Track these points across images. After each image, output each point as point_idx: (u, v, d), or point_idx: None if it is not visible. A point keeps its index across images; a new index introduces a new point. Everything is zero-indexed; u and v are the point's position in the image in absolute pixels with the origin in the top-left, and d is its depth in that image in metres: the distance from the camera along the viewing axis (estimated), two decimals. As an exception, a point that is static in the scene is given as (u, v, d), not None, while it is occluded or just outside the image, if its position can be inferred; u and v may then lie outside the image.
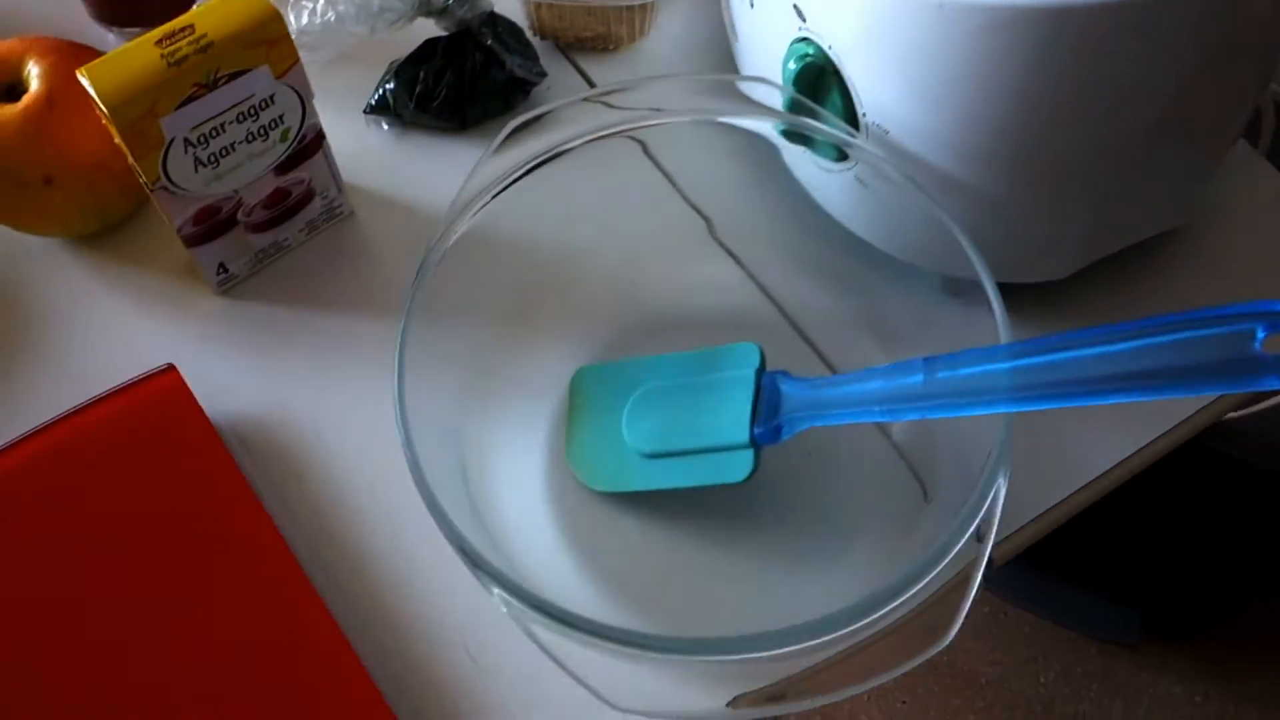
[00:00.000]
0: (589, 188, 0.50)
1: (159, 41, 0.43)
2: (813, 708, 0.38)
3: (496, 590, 0.36)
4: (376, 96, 0.58)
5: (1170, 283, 0.52)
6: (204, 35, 0.43)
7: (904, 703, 1.19)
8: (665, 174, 0.54)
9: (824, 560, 0.45)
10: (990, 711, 1.20)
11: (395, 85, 0.57)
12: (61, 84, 0.49)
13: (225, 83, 0.45)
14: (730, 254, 0.53)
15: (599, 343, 0.51)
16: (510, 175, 0.47)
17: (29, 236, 0.54)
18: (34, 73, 0.50)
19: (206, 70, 0.44)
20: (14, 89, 0.50)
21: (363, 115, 0.58)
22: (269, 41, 0.45)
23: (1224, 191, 0.53)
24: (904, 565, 0.42)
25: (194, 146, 0.46)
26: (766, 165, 0.53)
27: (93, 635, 0.43)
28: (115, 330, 0.53)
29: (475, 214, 0.46)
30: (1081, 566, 1.17)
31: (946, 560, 0.36)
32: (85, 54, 0.51)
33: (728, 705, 0.37)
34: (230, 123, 0.46)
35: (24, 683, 0.43)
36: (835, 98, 0.45)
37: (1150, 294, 0.52)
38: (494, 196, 0.47)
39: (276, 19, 0.44)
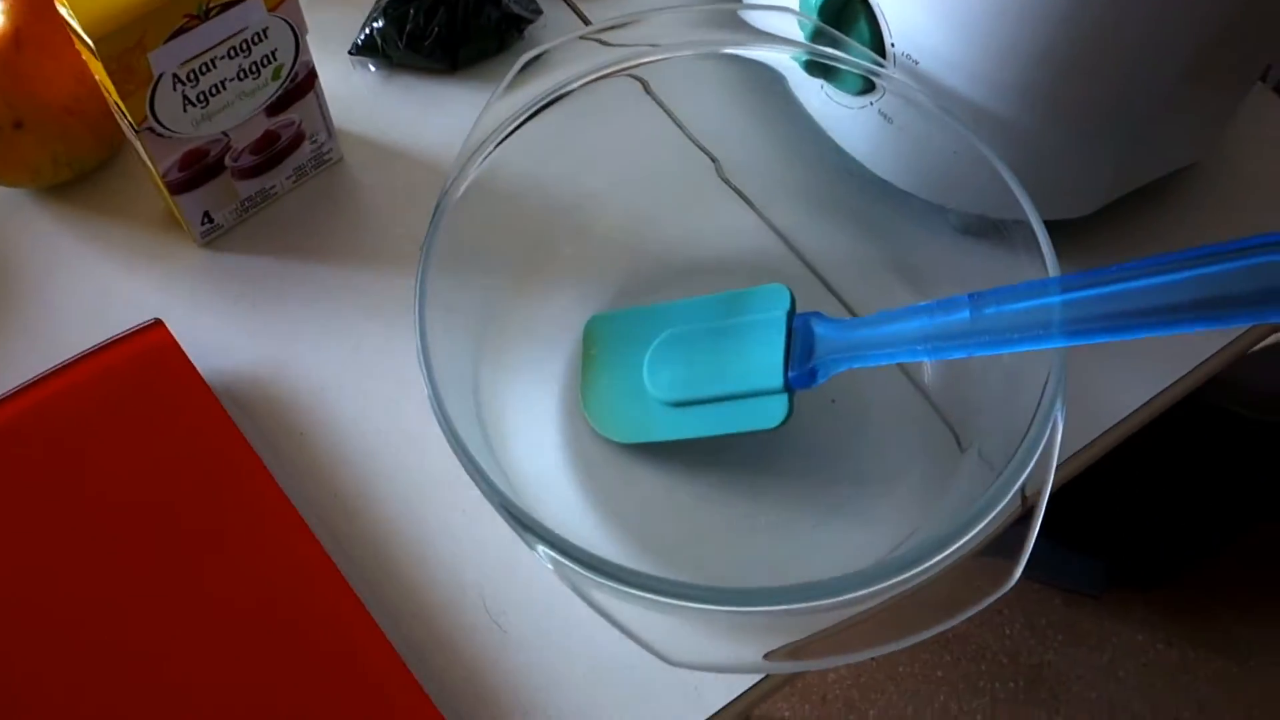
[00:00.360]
0: (592, 130, 0.48)
1: (146, -32, 0.40)
2: (848, 664, 0.36)
3: (542, 549, 0.34)
4: (363, 36, 0.55)
5: (1185, 220, 0.51)
6: (194, -39, 0.41)
7: (873, 660, 1.20)
8: (668, 112, 0.52)
9: (856, 511, 0.44)
10: (957, 665, 1.21)
11: (384, 24, 0.54)
12: (30, 20, 0.46)
13: (217, 14, 0.42)
14: (741, 196, 0.51)
15: (611, 290, 0.49)
16: (514, 120, 0.45)
17: (5, 191, 0.50)
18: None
19: (199, 1, 0.41)
20: (-25, 27, 0.47)
21: (348, 56, 0.55)
22: (263, -30, 0.42)
23: (1236, 127, 0.53)
24: (942, 513, 0.41)
25: (183, 84, 0.43)
26: (774, 102, 0.50)
27: (86, 600, 0.41)
28: (94, 286, 0.50)
29: (484, 160, 0.44)
30: (1046, 516, 1.18)
31: (1003, 504, 0.35)
32: (53, -12, 0.48)
33: (764, 657, 0.36)
34: (221, 58, 0.43)
35: (16, 648, 0.40)
36: (862, 27, 0.43)
37: (1166, 231, 0.51)
38: (500, 142, 0.45)
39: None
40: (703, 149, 0.51)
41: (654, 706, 0.41)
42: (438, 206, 0.42)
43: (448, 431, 0.36)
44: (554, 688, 0.41)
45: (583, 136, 0.48)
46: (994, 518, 0.36)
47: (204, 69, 0.43)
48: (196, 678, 0.40)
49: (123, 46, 0.40)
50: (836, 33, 0.43)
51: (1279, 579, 1.23)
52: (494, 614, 0.43)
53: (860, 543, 0.43)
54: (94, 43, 0.39)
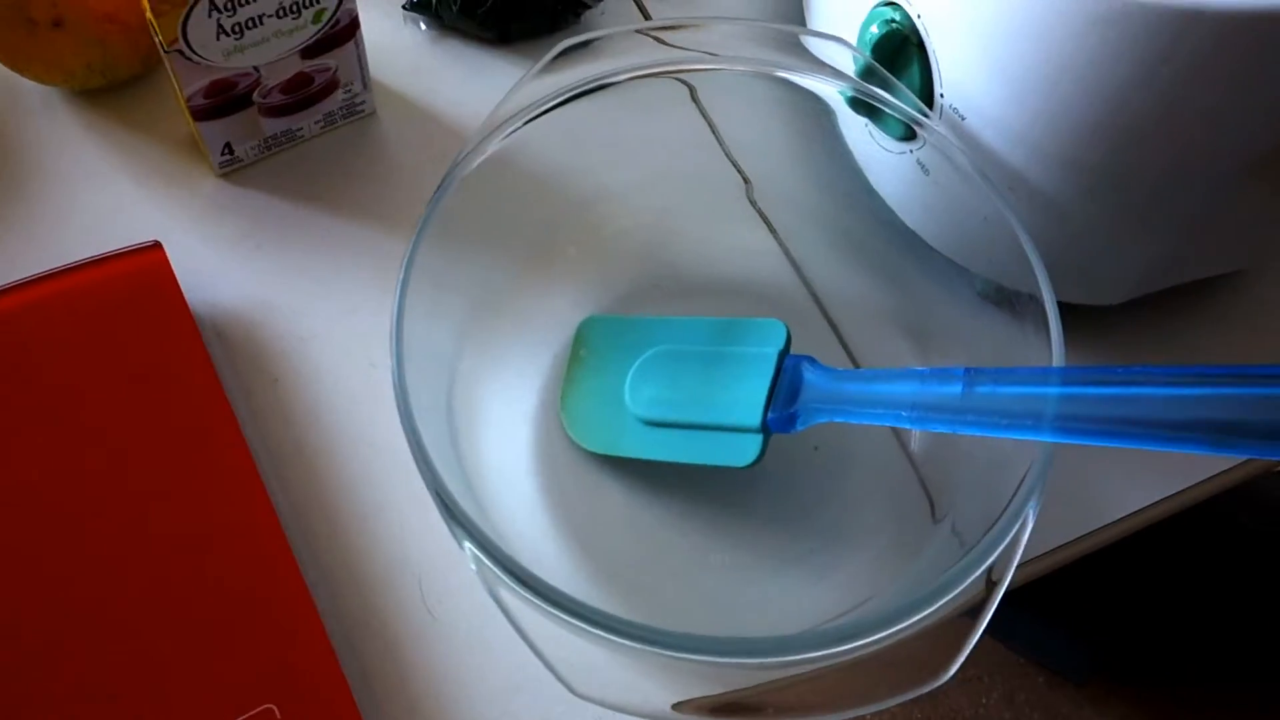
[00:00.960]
0: (627, 127, 0.47)
1: (201, -112, 0.40)
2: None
3: (468, 545, 0.33)
4: (419, -7, 0.54)
5: (1219, 331, 0.49)
6: (247, -110, 0.40)
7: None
8: (710, 124, 0.50)
9: (817, 565, 0.42)
10: (924, 726, 1.19)
11: (442, -16, 0.53)
12: (87, -79, 0.45)
13: (263, -53, 0.41)
14: (765, 221, 0.49)
15: (613, 295, 0.48)
16: (548, 101, 0.43)
17: (29, 82, 0.50)
18: (55, -95, 0.46)
19: (244, -70, 0.40)
20: (33, -81, 0.46)
21: (401, 10, 0.54)
22: (314, -90, 0.41)
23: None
24: (902, 585, 0.39)
25: (219, 12, 0.42)
26: (818, 134, 0.49)
27: (29, 508, 0.41)
28: (104, 196, 0.49)
29: (507, 136, 0.43)
30: (1039, 592, 1.15)
31: (950, 596, 0.34)
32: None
33: (672, 708, 0.34)
34: (261, -8, 0.42)
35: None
36: (914, 72, 0.42)
37: (1196, 340, 0.49)
38: (528, 121, 0.43)
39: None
40: (737, 167, 0.50)
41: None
42: (448, 175, 0.41)
43: (401, 403, 0.35)
44: (470, 685, 0.40)
45: (615, 131, 0.47)
46: (946, 601, 0.34)
47: (244, 0, 0.42)
48: (116, 597, 0.39)
49: (160, -36, 0.39)
50: (887, 74, 0.42)
51: (1271, 693, 1.19)
52: (428, 599, 0.42)
53: (815, 598, 0.41)
54: (130, -45, 0.39)
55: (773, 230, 0.49)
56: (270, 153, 0.50)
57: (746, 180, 0.50)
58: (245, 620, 0.39)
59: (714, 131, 0.50)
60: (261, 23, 0.44)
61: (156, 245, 0.46)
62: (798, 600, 0.41)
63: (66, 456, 0.42)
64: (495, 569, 0.32)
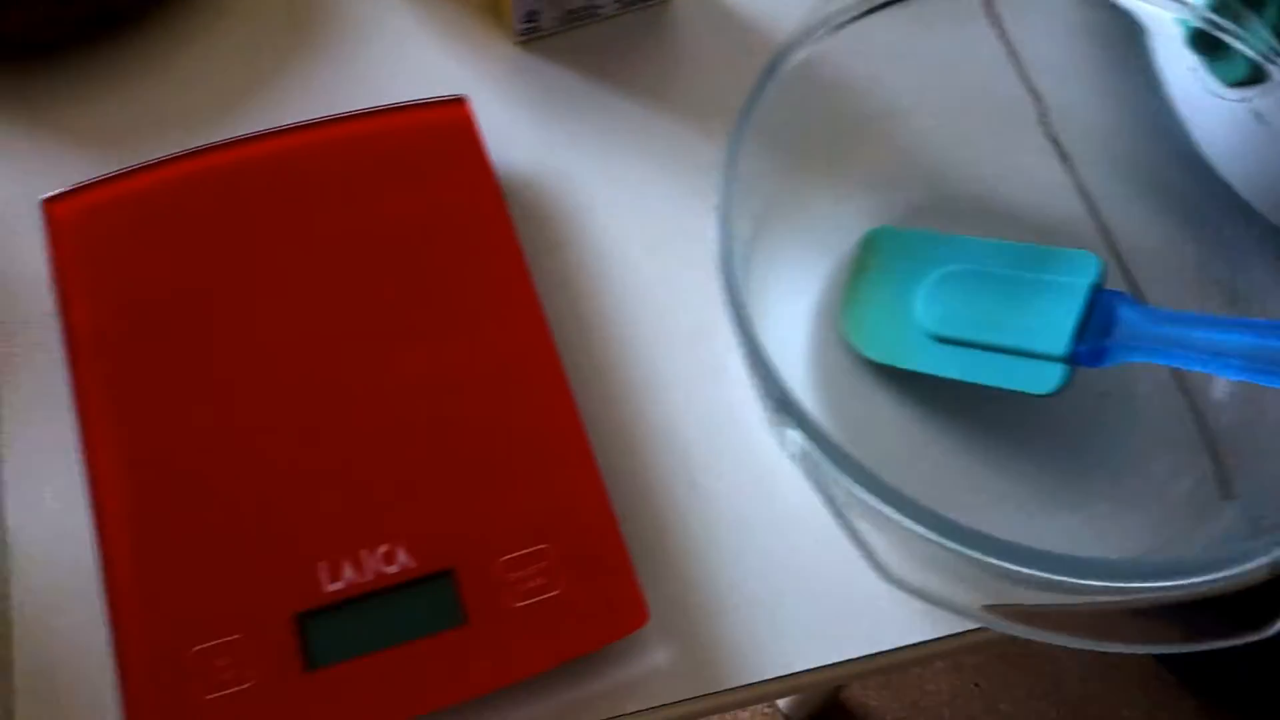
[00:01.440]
0: (923, 40, 0.46)
1: None
2: (1061, 645, 0.34)
3: (793, 433, 0.33)
4: (728, -110, 0.53)
5: None
6: None
7: (977, 685, 1.16)
8: (1008, 42, 0.49)
9: (1093, 515, 0.41)
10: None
11: (755, -119, 0.52)
12: None
13: None
14: (1059, 150, 0.48)
15: (894, 211, 0.47)
16: (855, 9, 0.43)
17: (348, -70, 0.51)
18: None
19: None
20: None
21: (709, -95, 0.54)
22: None
23: None
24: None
25: None
26: (1130, 64, 0.47)
27: (328, 334, 0.42)
28: (407, 47, 0.50)
29: (816, 40, 0.42)
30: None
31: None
32: None
33: (983, 608, 0.34)
34: None
35: (244, 367, 0.42)
36: (1272, 10, 0.40)
37: None
38: (835, 29, 0.43)
39: None
40: (1033, 90, 0.49)
41: (835, 612, 0.40)
42: (767, 72, 0.41)
43: (730, 290, 0.35)
44: (721, 555, 0.41)
45: (915, 46, 0.46)
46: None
47: None
48: (403, 428, 0.41)
49: None
50: (1241, 6, 0.40)
51: None
52: (693, 470, 0.42)
53: (1086, 547, 0.41)
54: None
55: (1068, 160, 0.48)
56: (569, 26, 0.51)
57: (1042, 104, 0.49)
58: (526, 462, 0.40)
59: (1011, 49, 0.49)
60: (602, -111, 0.44)
61: (462, 100, 0.46)
62: (1071, 545, 0.41)
63: (364, 287, 0.43)
64: (827, 461, 0.32)
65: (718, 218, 0.37)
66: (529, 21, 0.49)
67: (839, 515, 0.33)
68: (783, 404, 0.34)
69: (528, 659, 0.38)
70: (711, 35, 0.51)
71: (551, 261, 0.46)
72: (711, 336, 0.44)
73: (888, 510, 0.32)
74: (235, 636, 0.38)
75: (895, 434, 0.43)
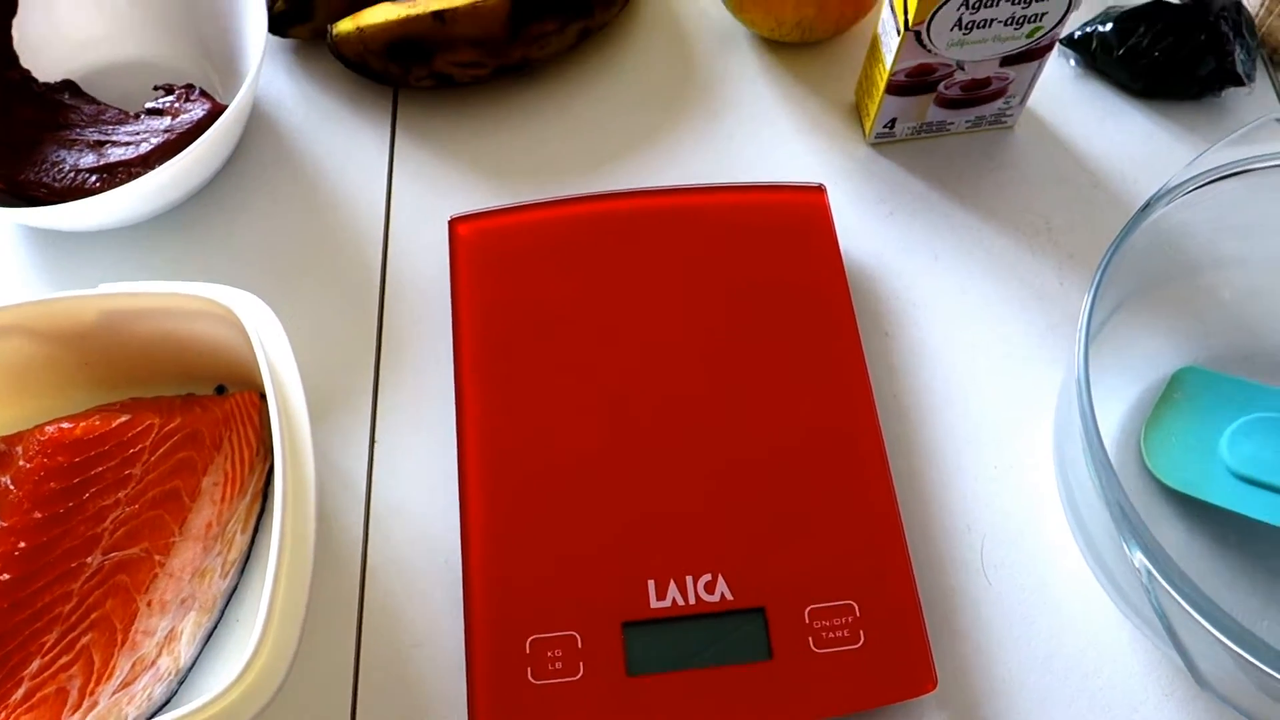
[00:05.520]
0: (1259, 206, 0.49)
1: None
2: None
3: (1139, 556, 0.37)
4: (1080, 32, 0.58)
5: None
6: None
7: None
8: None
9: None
10: None
11: (1110, 30, 0.56)
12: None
13: (1034, -37, 0.46)
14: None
15: (1208, 352, 0.50)
16: (1209, 176, 0.46)
17: (738, 25, 0.58)
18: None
19: (1028, -55, 0.45)
20: (805, -112, 0.53)
21: (1058, 43, 0.58)
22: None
23: None
24: None
25: (965, 9, 0.47)
26: None
27: (670, 372, 0.47)
28: (772, 132, 0.56)
29: (1174, 201, 0.46)
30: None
31: None
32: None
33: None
34: (1005, 1, 0.47)
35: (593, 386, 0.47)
36: None
37: None
38: (1190, 191, 0.46)
39: (1110, -74, 0.45)
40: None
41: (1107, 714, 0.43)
42: (1134, 222, 0.44)
43: (1084, 411, 0.39)
44: (1010, 646, 0.44)
45: (1247, 206, 0.49)
46: None
47: (990, 3, 0.47)
48: (732, 472, 0.46)
49: (953, -42, 0.45)
50: None
51: None
52: (986, 564, 0.46)
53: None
54: (936, -55, 0.44)
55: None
56: (918, 136, 0.55)
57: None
58: (842, 523, 0.45)
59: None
60: (990, 25, 0.49)
61: (822, 188, 0.52)
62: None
63: (717, 338, 0.48)
64: (1167, 586, 0.36)
65: (1078, 343, 0.41)
66: (887, 128, 0.54)
67: (1166, 626, 0.37)
68: (1127, 522, 0.37)
69: (823, 702, 0.42)
70: (1043, 164, 0.55)
71: (881, 345, 0.50)
72: (1017, 439, 0.48)
73: (1213, 628, 0.35)
74: (569, 633, 0.43)
75: (1183, 558, 0.45)
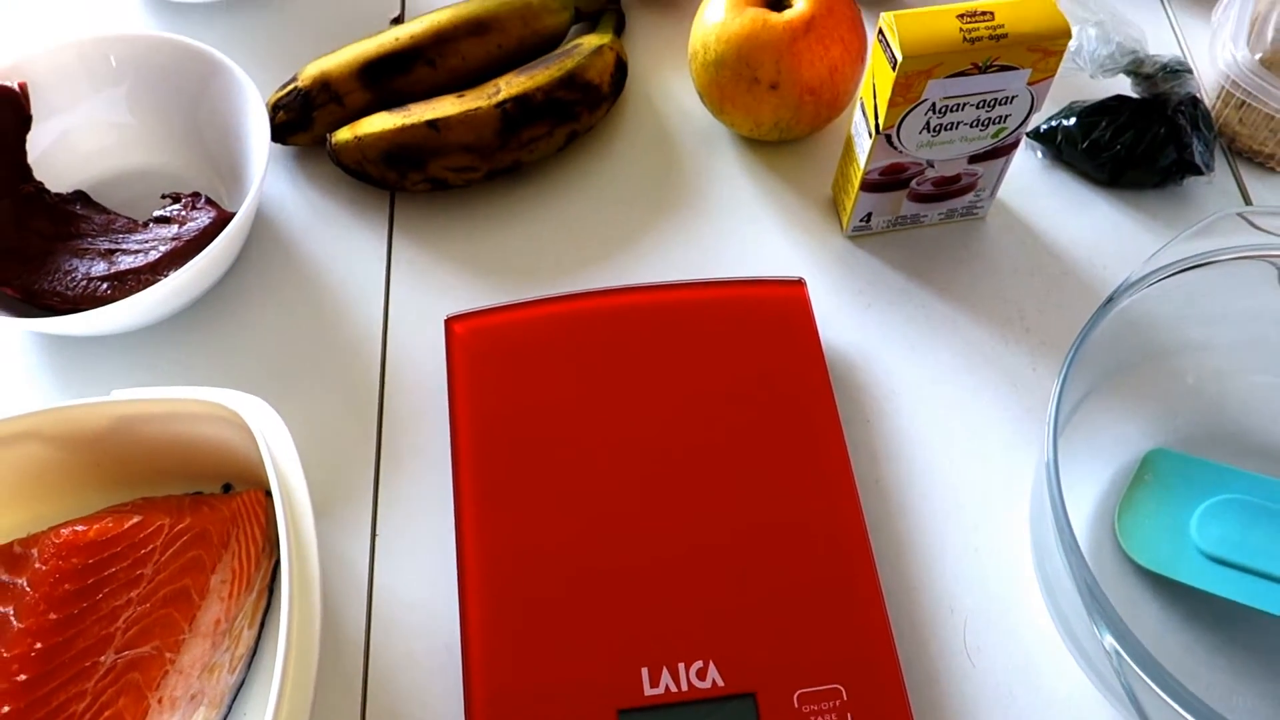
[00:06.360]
0: (1223, 296, 0.51)
1: (961, 16, 0.48)
2: None
3: (1109, 638, 0.38)
4: (1045, 126, 0.61)
5: None
6: (1001, 26, 0.47)
7: None
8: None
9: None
10: None
11: (1074, 124, 0.59)
12: (822, 15, 0.55)
13: (994, 71, 0.48)
14: (1338, 412, 0.52)
15: (1176, 435, 0.52)
16: (1174, 268, 0.48)
17: (719, 125, 0.60)
18: (803, -5, 0.56)
19: (988, 55, 0.48)
20: (780, 2, 0.56)
21: (1024, 136, 0.61)
22: (1045, 51, 0.48)
23: None
24: None
25: (933, 113, 0.50)
26: None
27: (655, 460, 0.49)
28: (752, 228, 0.59)
29: (1139, 292, 0.48)
30: None
31: None
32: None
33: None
34: (970, 105, 0.50)
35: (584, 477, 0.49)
36: None
37: None
38: (1155, 283, 0.48)
39: (1065, 35, 0.48)
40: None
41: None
42: (1100, 312, 0.46)
43: (1054, 499, 0.41)
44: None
45: (1208, 296, 0.51)
46: None
47: (955, 108, 0.50)
48: (717, 558, 0.47)
49: (917, 68, 0.48)
50: None
51: None
52: (969, 646, 0.47)
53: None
54: (901, 58, 0.47)
55: (1346, 420, 0.52)
56: (894, 228, 0.58)
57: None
58: (827, 608, 0.46)
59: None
60: (956, 128, 0.51)
61: (802, 281, 0.54)
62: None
63: (701, 428, 0.50)
64: (1139, 670, 0.37)
65: (1048, 430, 0.43)
66: (863, 222, 0.57)
67: (1136, 706, 0.38)
68: (1097, 604, 0.39)
69: (813, 785, 0.44)
70: (1014, 253, 0.58)
71: (862, 432, 0.52)
72: (996, 522, 0.50)
73: (1180, 709, 0.36)
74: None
75: (1156, 636, 0.47)
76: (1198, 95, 0.59)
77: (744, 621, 0.46)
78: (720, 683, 0.45)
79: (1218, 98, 0.61)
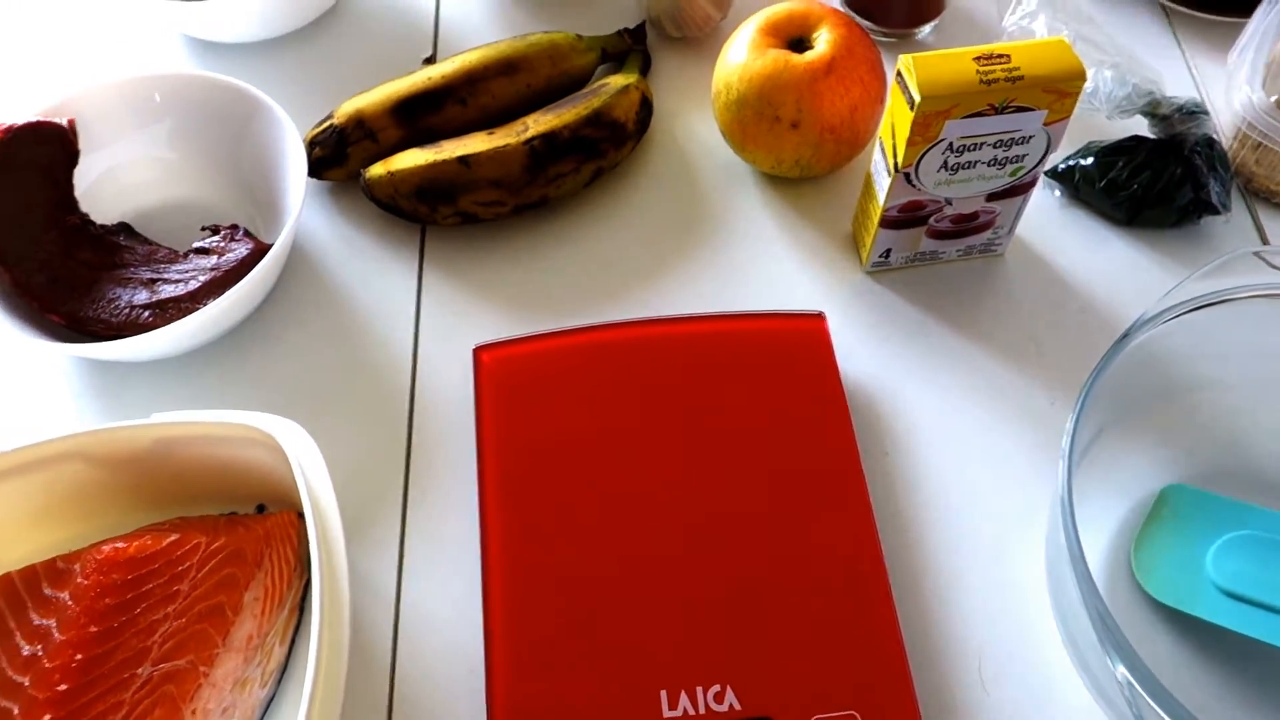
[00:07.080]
0: (1240, 331, 0.52)
1: (978, 59, 0.49)
2: None
3: (1122, 670, 0.39)
4: (1063, 165, 0.62)
5: None
6: (1017, 68, 0.49)
7: None
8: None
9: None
10: None
11: (1091, 163, 0.60)
12: (843, 55, 0.57)
13: (1011, 112, 0.50)
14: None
15: (1193, 470, 0.52)
16: (1191, 304, 0.49)
17: (741, 162, 0.62)
18: (824, 38, 0.57)
19: (1004, 97, 0.49)
20: (801, 43, 0.58)
21: (1042, 175, 0.62)
22: (1061, 93, 0.50)
23: None
24: None
25: (950, 152, 0.51)
26: None
27: (678, 489, 0.50)
28: (773, 263, 0.60)
29: (1155, 326, 0.49)
30: None
31: None
32: (865, 38, 0.58)
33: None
34: (987, 145, 0.51)
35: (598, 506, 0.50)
36: None
37: None
38: (1172, 319, 0.49)
39: (1080, 77, 0.49)
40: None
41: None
42: (1116, 347, 0.47)
43: (1069, 527, 0.42)
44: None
45: (1226, 332, 0.52)
46: None
47: (972, 147, 0.51)
48: (734, 586, 0.48)
49: (935, 109, 0.49)
50: None
51: None
52: (984, 676, 0.48)
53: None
54: (919, 99, 0.49)
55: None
56: (912, 264, 0.59)
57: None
58: (844, 634, 0.47)
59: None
60: (973, 167, 0.53)
61: (821, 315, 0.55)
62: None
63: (722, 458, 0.51)
64: (1149, 699, 0.38)
65: (1063, 464, 0.44)
66: (882, 258, 0.58)
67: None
68: (1111, 637, 0.40)
69: (828, 809, 0.44)
70: (1033, 289, 0.59)
71: (880, 464, 0.53)
72: (1012, 553, 0.51)
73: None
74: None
75: (1170, 669, 0.48)
76: (1214, 136, 0.60)
77: (762, 647, 0.47)
78: (738, 706, 0.46)
79: (1234, 139, 0.62)
